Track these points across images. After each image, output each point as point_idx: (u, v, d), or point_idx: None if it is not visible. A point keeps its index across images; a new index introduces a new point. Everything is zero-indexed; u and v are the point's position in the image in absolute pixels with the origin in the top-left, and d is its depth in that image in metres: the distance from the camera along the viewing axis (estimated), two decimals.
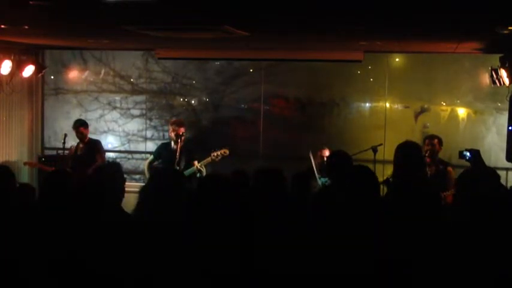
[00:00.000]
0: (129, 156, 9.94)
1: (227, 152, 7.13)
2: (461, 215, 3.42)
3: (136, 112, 10.04)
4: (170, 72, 9.93)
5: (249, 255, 3.26)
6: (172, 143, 7.25)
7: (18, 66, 8.30)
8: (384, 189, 4.62)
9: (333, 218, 3.40)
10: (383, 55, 8.96)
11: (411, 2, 3.89)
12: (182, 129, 7.17)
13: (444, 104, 9.26)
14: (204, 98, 10.08)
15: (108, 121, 10.01)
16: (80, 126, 7.95)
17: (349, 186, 3.54)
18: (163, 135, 9.83)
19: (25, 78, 8.64)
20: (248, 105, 9.92)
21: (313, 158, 6.82)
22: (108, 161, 8.45)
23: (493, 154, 8.44)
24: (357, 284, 3.06)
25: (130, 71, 9.97)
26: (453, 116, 9.18)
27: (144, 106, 10.03)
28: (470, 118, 9.07)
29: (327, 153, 6.89)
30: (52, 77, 10.01)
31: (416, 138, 8.04)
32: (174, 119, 8.03)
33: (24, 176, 9.09)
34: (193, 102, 10.13)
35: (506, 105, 7.36)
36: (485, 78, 8.17)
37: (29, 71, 8.46)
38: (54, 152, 9.29)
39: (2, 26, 5.75)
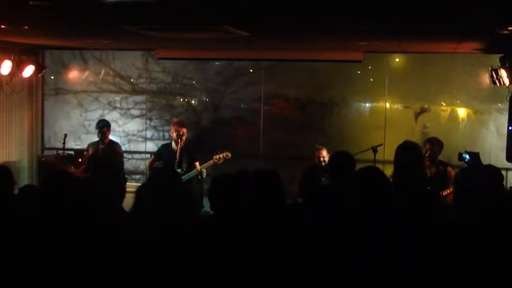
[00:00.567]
0: (129, 156, 9.94)
1: (229, 155, 7.13)
2: (462, 215, 3.41)
3: (136, 112, 10.04)
4: (170, 72, 9.93)
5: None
6: (173, 143, 7.24)
7: (18, 66, 8.29)
8: None
9: (342, 219, 3.38)
10: (383, 55, 8.96)
11: (411, 2, 3.89)
12: (184, 130, 7.17)
13: (444, 104, 9.26)
14: (204, 98, 10.09)
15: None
16: (103, 126, 7.93)
17: (361, 187, 3.48)
18: (163, 136, 9.83)
19: (25, 78, 8.64)
20: (248, 105, 9.92)
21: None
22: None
23: (493, 154, 8.44)
24: (359, 284, 3.07)
25: (130, 71, 9.98)
26: (453, 116, 9.18)
27: (144, 106, 10.03)
28: (470, 118, 9.08)
29: (324, 153, 6.84)
30: (52, 77, 10.01)
31: (416, 138, 8.05)
32: (176, 119, 8.00)
33: (24, 176, 9.09)
34: (193, 102, 10.13)
35: (506, 105, 7.36)
36: (485, 78, 8.16)
37: (29, 71, 8.45)
38: (54, 152, 9.29)
39: (2, 26, 5.75)
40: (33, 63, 8.49)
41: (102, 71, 10.02)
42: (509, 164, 7.37)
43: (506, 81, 6.90)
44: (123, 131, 10.02)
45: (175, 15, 4.75)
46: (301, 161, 7.24)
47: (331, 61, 8.48)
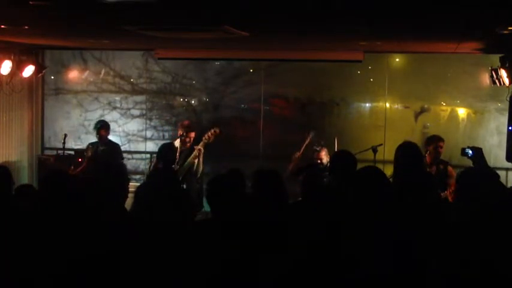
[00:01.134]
0: (129, 156, 9.94)
1: (217, 130, 6.95)
2: (462, 215, 3.42)
3: (136, 112, 10.04)
4: (170, 72, 9.93)
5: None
6: (176, 142, 7.20)
7: (18, 66, 8.29)
8: None
9: (343, 218, 3.38)
10: (383, 55, 8.96)
11: (411, 2, 3.88)
12: (192, 135, 7.11)
13: (444, 104, 9.26)
14: (204, 98, 10.08)
15: (108, 121, 10.01)
16: (101, 128, 7.93)
17: (361, 187, 3.48)
18: (163, 135, 9.83)
19: (25, 78, 8.64)
20: (248, 105, 9.92)
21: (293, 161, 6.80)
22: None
23: (493, 154, 8.44)
24: (359, 284, 3.07)
25: (130, 71, 9.98)
26: (453, 116, 9.18)
27: (144, 106, 10.03)
28: (470, 118, 9.08)
29: (323, 153, 6.78)
30: (52, 77, 10.01)
31: (416, 138, 8.06)
32: (187, 121, 7.69)
33: (24, 176, 9.10)
34: (193, 102, 10.13)
35: (506, 105, 7.36)
36: (485, 78, 8.17)
37: (29, 71, 8.45)
38: (54, 152, 9.29)
39: (2, 26, 5.75)
40: (33, 63, 8.49)
41: (102, 71, 10.02)
42: (509, 164, 7.37)
43: (506, 81, 6.91)
44: (123, 131, 10.02)
45: (175, 15, 4.75)
46: (301, 161, 7.20)
47: (331, 61, 8.47)
